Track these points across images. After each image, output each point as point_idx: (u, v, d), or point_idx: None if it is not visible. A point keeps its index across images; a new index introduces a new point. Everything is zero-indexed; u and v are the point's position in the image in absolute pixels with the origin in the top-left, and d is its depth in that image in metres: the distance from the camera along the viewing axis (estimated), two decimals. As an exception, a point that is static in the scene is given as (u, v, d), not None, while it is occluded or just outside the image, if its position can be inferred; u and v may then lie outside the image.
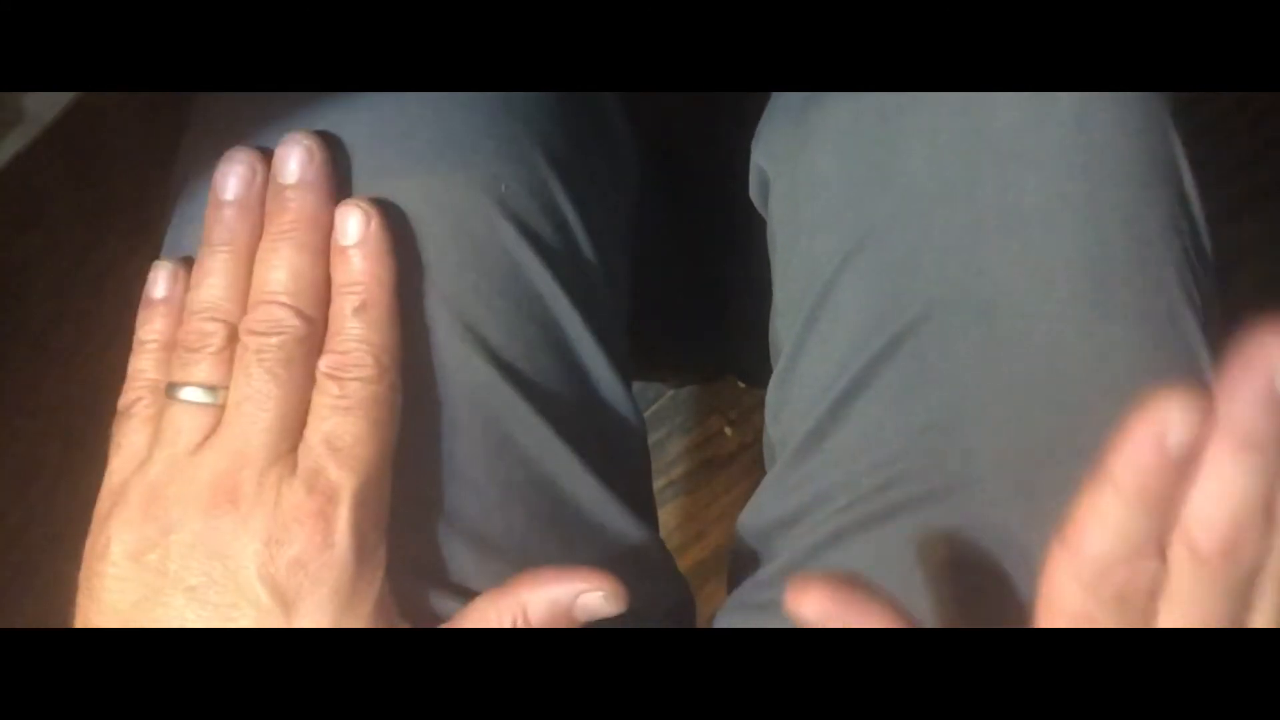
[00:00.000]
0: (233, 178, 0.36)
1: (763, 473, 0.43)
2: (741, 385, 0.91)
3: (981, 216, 0.35)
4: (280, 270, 0.35)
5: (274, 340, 0.34)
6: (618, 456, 0.43)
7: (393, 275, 0.36)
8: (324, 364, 0.35)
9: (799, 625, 0.33)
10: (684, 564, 0.91)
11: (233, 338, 0.35)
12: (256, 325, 0.34)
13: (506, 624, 0.33)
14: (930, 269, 0.37)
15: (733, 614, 0.42)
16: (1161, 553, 0.28)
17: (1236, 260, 0.87)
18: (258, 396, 0.34)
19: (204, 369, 0.35)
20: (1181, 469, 0.27)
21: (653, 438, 0.91)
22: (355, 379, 0.34)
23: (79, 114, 0.34)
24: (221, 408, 0.34)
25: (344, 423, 0.34)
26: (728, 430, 0.92)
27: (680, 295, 0.69)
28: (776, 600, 0.35)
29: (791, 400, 0.41)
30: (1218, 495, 0.27)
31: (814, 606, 0.31)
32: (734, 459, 0.92)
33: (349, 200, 0.36)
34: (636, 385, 0.53)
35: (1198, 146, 0.37)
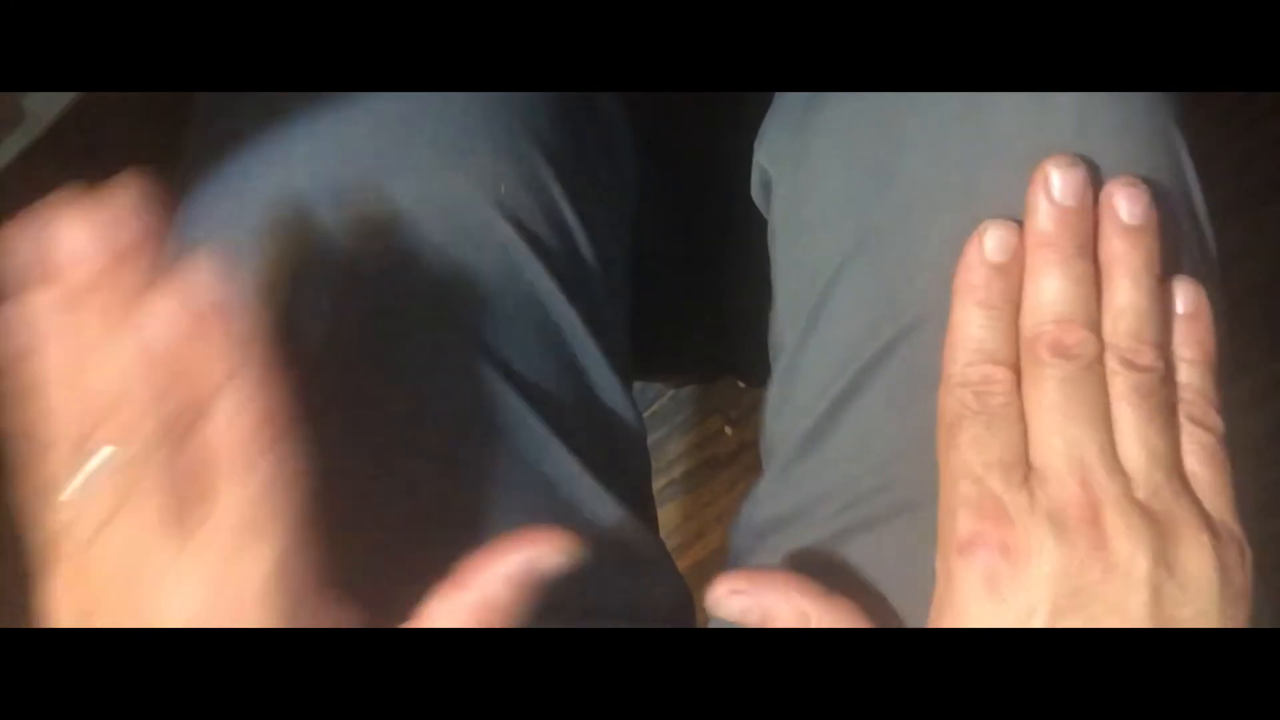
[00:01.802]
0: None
1: (762, 472, 0.43)
2: (741, 385, 0.91)
3: (982, 217, 0.35)
4: None
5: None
6: (617, 456, 0.43)
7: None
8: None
9: (726, 619, 0.34)
10: (684, 564, 0.91)
11: None
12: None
13: (471, 622, 0.33)
14: (931, 270, 0.37)
15: (732, 614, 0.42)
16: (1016, 365, 0.33)
17: (1237, 259, 0.87)
18: None
19: None
20: (1008, 278, 0.33)
21: (653, 438, 0.91)
22: None
23: (79, 114, 0.34)
24: None
25: None
26: (728, 430, 0.92)
27: (680, 295, 0.69)
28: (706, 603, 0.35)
29: (791, 400, 0.41)
30: (1030, 295, 0.33)
31: (726, 591, 0.34)
32: (734, 459, 0.92)
33: None
34: (636, 385, 0.53)
35: (1198, 146, 0.37)
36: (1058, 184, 0.33)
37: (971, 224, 0.35)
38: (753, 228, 0.48)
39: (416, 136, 0.38)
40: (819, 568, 0.37)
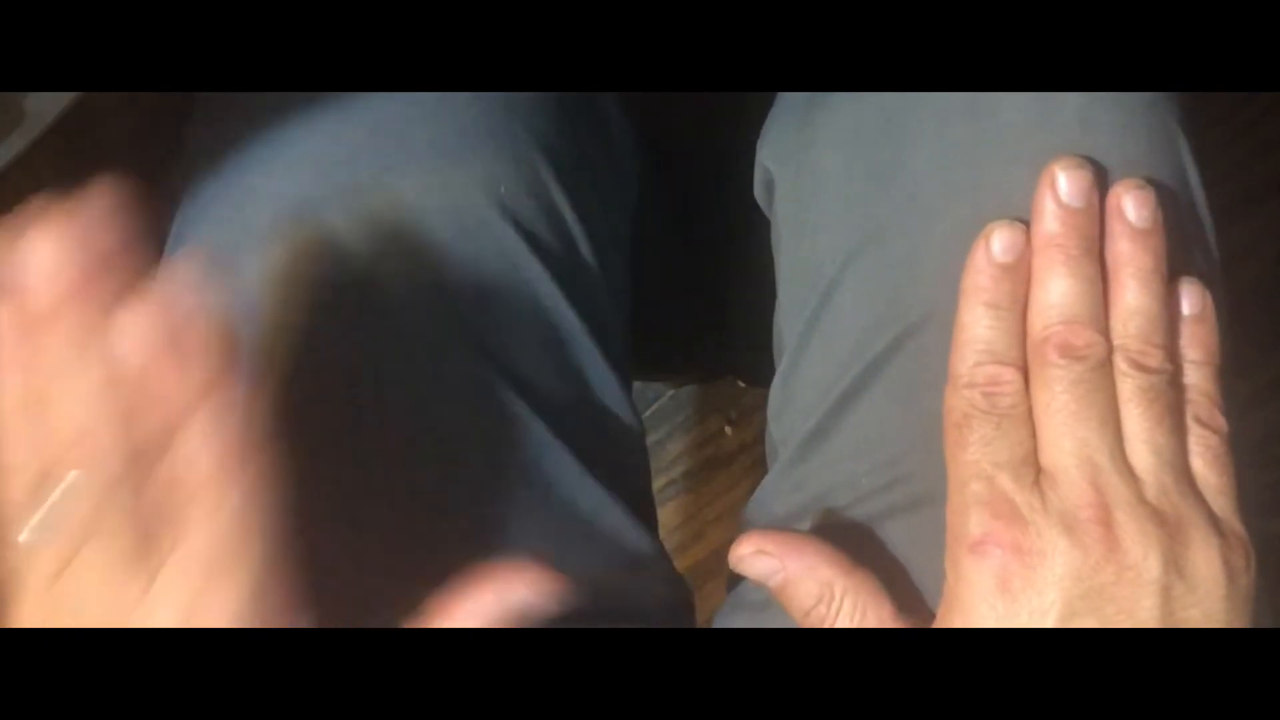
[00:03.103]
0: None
1: (764, 472, 0.43)
2: (741, 385, 0.91)
3: (985, 217, 0.35)
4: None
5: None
6: (616, 456, 0.43)
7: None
8: None
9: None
10: (684, 564, 0.91)
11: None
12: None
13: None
14: (934, 269, 0.37)
15: (732, 613, 0.42)
16: (1024, 366, 0.33)
17: (1237, 259, 0.87)
18: None
19: None
20: (1015, 279, 0.33)
21: (653, 438, 0.91)
22: None
23: (79, 114, 0.34)
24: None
25: None
26: (728, 430, 0.92)
27: (681, 295, 0.69)
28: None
29: (794, 399, 0.41)
30: (1038, 296, 0.33)
31: (750, 548, 0.35)
32: (734, 459, 0.92)
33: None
34: (636, 385, 0.53)
35: (1198, 146, 0.37)
36: (1065, 185, 0.33)
37: (975, 223, 0.35)
38: (754, 227, 0.48)
39: (416, 136, 0.38)
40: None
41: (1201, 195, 0.36)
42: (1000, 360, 0.33)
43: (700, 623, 0.47)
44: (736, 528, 0.45)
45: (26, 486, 0.28)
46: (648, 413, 0.92)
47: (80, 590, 0.29)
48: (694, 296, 0.71)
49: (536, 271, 0.39)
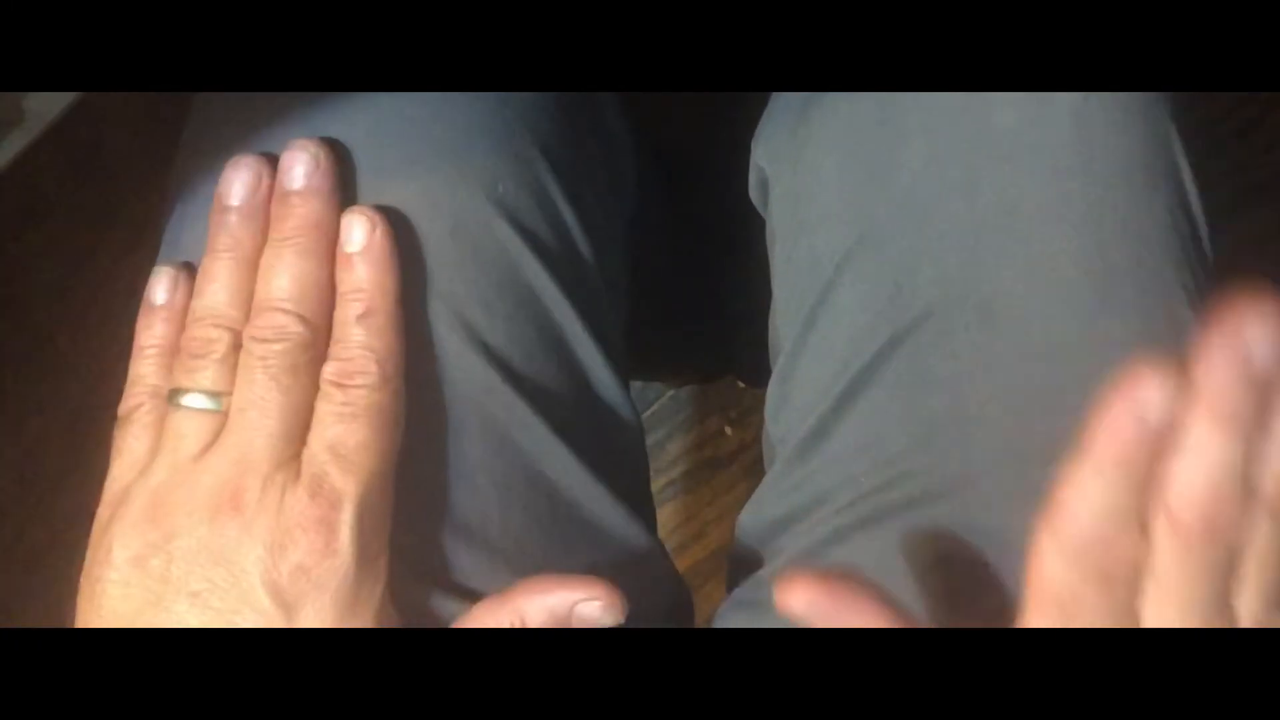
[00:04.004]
0: (238, 183, 0.36)
1: (763, 473, 0.43)
2: (741, 385, 0.91)
3: (981, 216, 0.35)
4: (284, 276, 0.35)
5: (278, 347, 0.34)
6: (616, 456, 0.43)
7: (396, 282, 0.36)
8: (328, 371, 0.34)
9: (789, 620, 0.33)
10: (684, 564, 0.91)
11: (236, 344, 0.35)
12: (260, 332, 0.34)
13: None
14: (930, 269, 0.37)
15: (732, 613, 0.42)
16: (1145, 529, 0.28)
17: (1236, 259, 0.87)
18: (261, 403, 0.34)
19: (208, 376, 0.35)
20: (1160, 442, 0.28)
21: (653, 438, 0.91)
22: (359, 386, 0.34)
23: (79, 114, 0.34)
24: (224, 414, 0.34)
25: (348, 430, 0.34)
26: (728, 430, 0.92)
27: (680, 295, 0.69)
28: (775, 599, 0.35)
29: (792, 400, 0.41)
30: (1195, 468, 0.27)
31: (803, 601, 0.31)
32: (734, 459, 0.92)
33: (354, 208, 0.36)
34: (636, 385, 0.53)
35: (1197, 146, 0.37)
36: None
37: (970, 222, 0.35)
38: (752, 227, 0.48)
39: (416, 136, 0.38)
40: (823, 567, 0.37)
41: (1195, 195, 0.36)
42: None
43: (700, 623, 0.47)
44: (735, 528, 0.45)
45: (202, 344, 0.35)
46: (648, 413, 0.92)
47: (220, 466, 0.33)
48: (693, 296, 0.71)
49: (536, 270, 0.39)
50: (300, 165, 0.36)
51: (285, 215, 0.35)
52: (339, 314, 0.35)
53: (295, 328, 0.34)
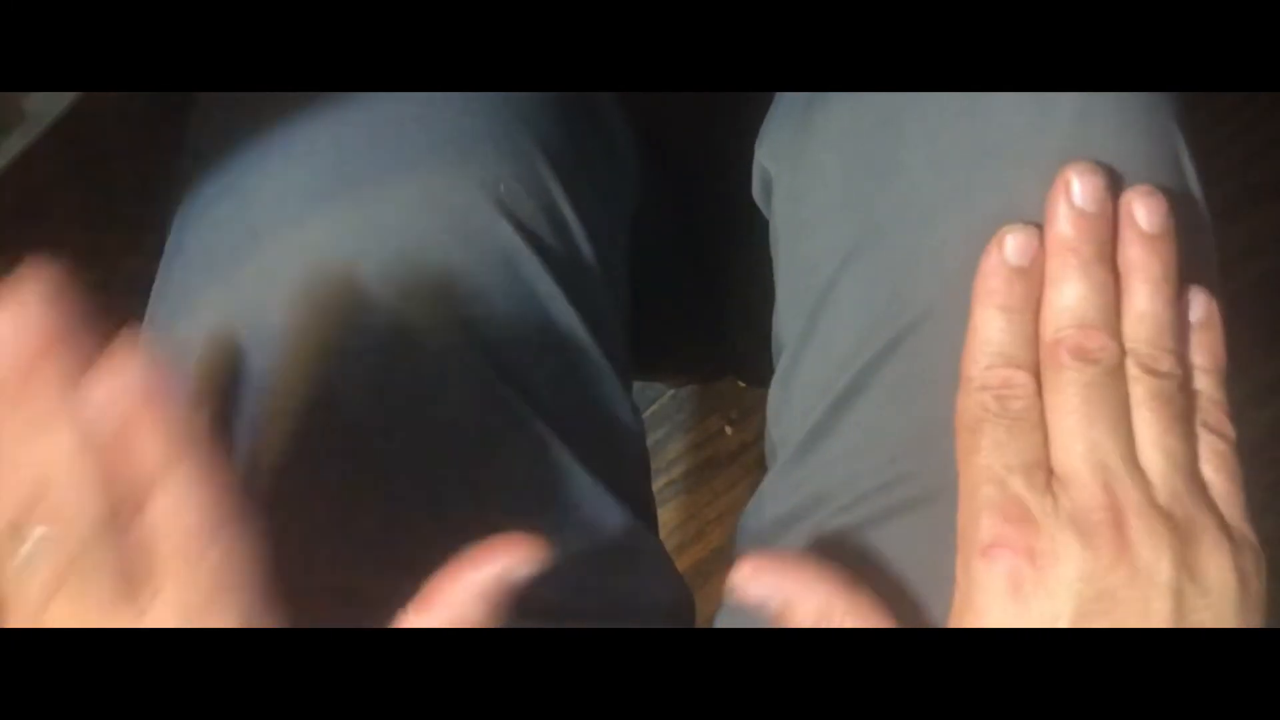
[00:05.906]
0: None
1: (764, 472, 0.43)
2: (741, 385, 0.91)
3: (983, 216, 0.35)
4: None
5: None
6: (616, 456, 0.43)
7: None
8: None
9: (745, 604, 0.34)
10: (684, 564, 0.91)
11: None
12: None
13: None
14: (931, 269, 0.37)
15: (732, 613, 0.42)
16: (1036, 369, 0.33)
17: (1237, 259, 0.87)
18: None
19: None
20: (1028, 282, 0.33)
21: (653, 438, 0.91)
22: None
23: (79, 114, 0.34)
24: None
25: None
26: (728, 430, 0.92)
27: (680, 295, 0.69)
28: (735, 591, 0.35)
29: (793, 399, 0.41)
30: (1051, 300, 0.33)
31: (759, 583, 0.34)
32: (734, 459, 0.92)
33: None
34: (636, 385, 0.53)
35: (1198, 146, 0.37)
36: (1079, 189, 0.33)
37: (973, 222, 0.35)
38: (753, 227, 0.48)
39: (416, 136, 0.38)
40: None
41: (1200, 195, 0.36)
42: (1013, 363, 0.33)
43: (700, 623, 0.47)
44: (736, 528, 0.45)
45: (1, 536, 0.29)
46: (648, 413, 0.92)
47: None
48: (694, 296, 0.71)
49: (536, 271, 0.39)
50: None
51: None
52: None
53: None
